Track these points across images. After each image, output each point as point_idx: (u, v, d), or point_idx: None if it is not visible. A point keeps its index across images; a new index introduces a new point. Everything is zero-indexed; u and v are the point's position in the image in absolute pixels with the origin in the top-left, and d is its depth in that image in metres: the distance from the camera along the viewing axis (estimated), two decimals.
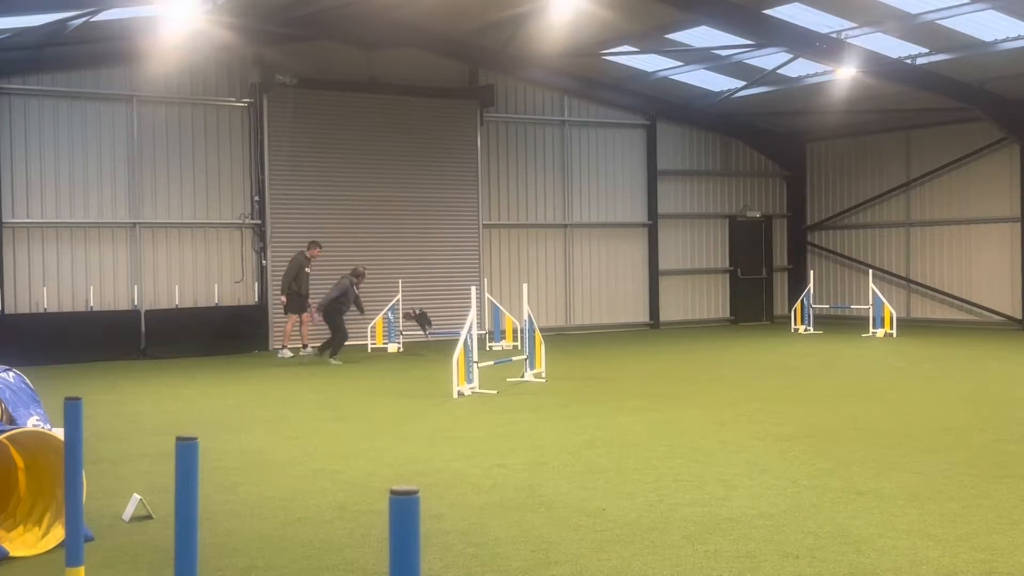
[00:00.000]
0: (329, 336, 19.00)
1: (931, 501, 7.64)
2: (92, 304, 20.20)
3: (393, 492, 2.58)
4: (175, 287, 20.90)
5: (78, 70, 20.31)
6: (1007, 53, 20.27)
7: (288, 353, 19.60)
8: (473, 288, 15.02)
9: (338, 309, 18.76)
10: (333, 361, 18.35)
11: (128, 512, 7.45)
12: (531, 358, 15.59)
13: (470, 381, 14.00)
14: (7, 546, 6.51)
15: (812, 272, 26.32)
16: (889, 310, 22.76)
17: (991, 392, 13.73)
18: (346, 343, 18.91)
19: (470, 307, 14.22)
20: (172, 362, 19.14)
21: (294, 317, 19.96)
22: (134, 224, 20.73)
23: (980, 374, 15.90)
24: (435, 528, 6.98)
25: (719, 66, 23.55)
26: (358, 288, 19.10)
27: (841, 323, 25.97)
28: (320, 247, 20.29)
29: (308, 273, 20.03)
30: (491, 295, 22.13)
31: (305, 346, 20.03)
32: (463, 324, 14.25)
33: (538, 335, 15.66)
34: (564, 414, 12.20)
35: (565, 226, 25.43)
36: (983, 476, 8.48)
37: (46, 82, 20.04)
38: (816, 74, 23.00)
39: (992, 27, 19.70)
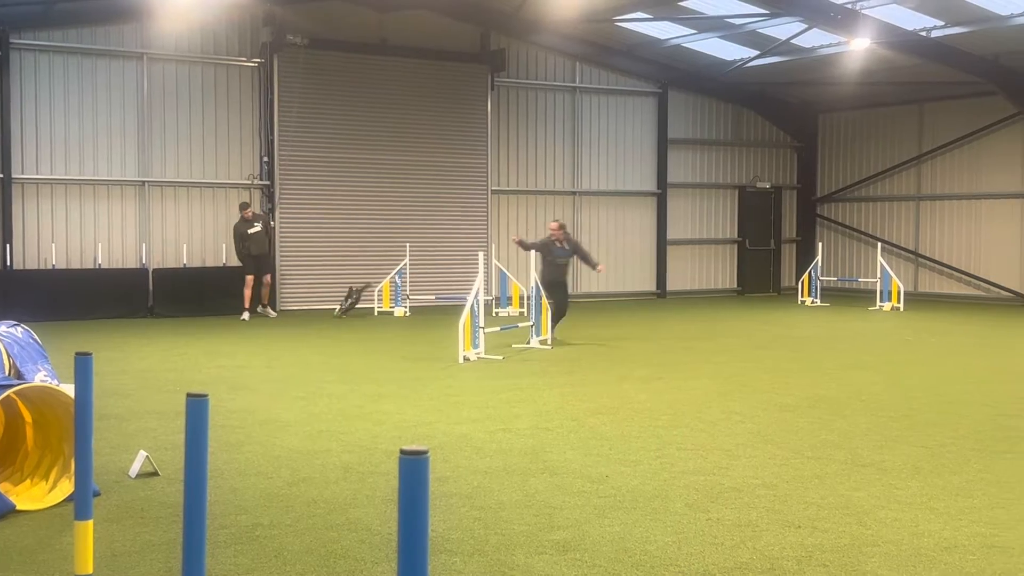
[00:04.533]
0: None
1: (933, 474, 7.66)
2: (100, 262, 20.24)
3: (403, 452, 2.61)
4: (183, 246, 20.93)
5: (89, 26, 20.24)
6: (1021, 27, 20.11)
7: (246, 316, 19.54)
8: (480, 254, 15.02)
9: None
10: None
11: (135, 468, 7.51)
12: (537, 325, 15.62)
13: (476, 346, 14.03)
14: (14, 499, 6.57)
15: (820, 244, 26.26)
16: (897, 284, 22.73)
17: (996, 367, 13.73)
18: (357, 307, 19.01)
19: (477, 272, 14.23)
20: (179, 321, 19.20)
21: (250, 278, 19.80)
22: (143, 182, 20.73)
23: (986, 349, 15.89)
24: (440, 491, 7.02)
25: (732, 35, 23.39)
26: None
27: (848, 296, 25.94)
28: (248, 205, 20.08)
29: (255, 233, 19.72)
30: (498, 261, 22.13)
31: (265, 306, 19.99)
32: (470, 289, 14.27)
33: (545, 302, 15.68)
34: (569, 381, 12.24)
35: (574, 193, 25.37)
36: (986, 450, 8.50)
37: (56, 38, 19.99)
38: (830, 44, 22.84)
39: (1008, 1, 19.53)
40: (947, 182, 25.63)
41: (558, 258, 16.24)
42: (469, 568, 5.56)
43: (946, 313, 21.83)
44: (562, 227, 16.40)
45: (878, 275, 23.27)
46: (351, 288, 20.04)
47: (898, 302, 22.49)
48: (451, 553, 5.79)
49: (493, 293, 21.38)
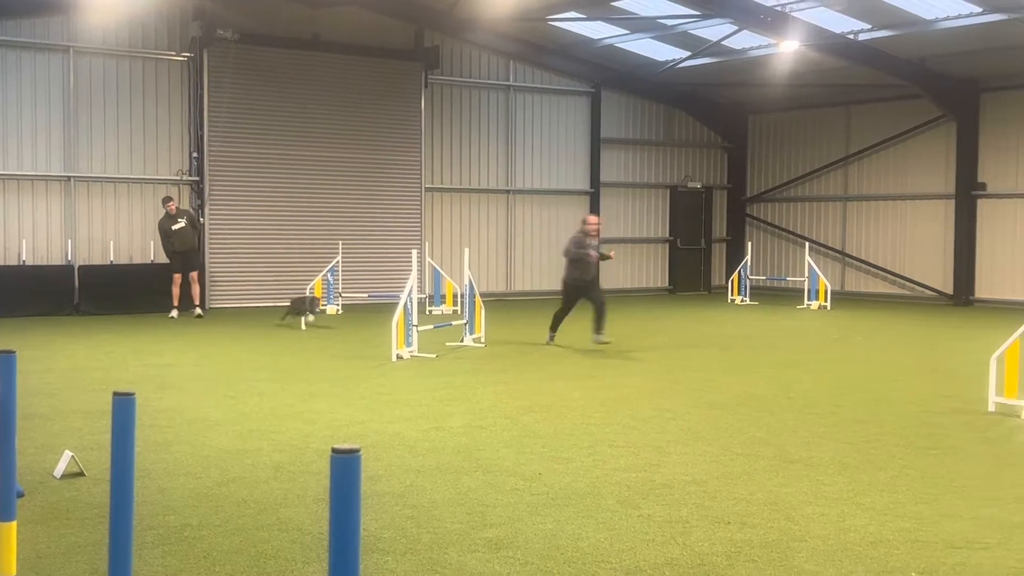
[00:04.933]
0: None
1: (860, 470, 7.80)
2: (24, 258, 19.80)
3: (335, 451, 2.59)
4: (110, 243, 20.56)
5: (14, 18, 19.78)
6: (947, 31, 20.56)
7: (175, 314, 19.27)
8: (414, 251, 14.97)
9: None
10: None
11: (60, 469, 7.36)
12: (471, 323, 15.61)
13: (409, 345, 13.99)
14: None
15: (750, 244, 26.60)
16: (824, 283, 23.10)
17: (921, 365, 14.02)
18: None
19: (411, 270, 14.19)
20: (106, 319, 18.86)
21: (177, 277, 19.50)
22: (68, 178, 20.32)
23: (911, 347, 16.21)
24: (372, 489, 6.98)
25: (664, 36, 23.59)
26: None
27: (777, 295, 26.31)
28: (171, 200, 19.70)
29: (179, 229, 19.31)
30: (432, 259, 22.07)
31: (196, 305, 19.62)
32: (403, 287, 14.21)
33: (478, 300, 15.68)
34: (502, 379, 12.25)
35: (508, 192, 25.40)
36: (910, 447, 8.68)
37: None
38: (760, 47, 23.15)
39: (933, 5, 19.96)
40: (873, 183, 26.10)
41: (593, 254, 15.63)
42: (401, 567, 5.54)
43: (872, 312, 22.24)
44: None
45: (806, 274, 23.63)
46: (302, 299, 18.22)
47: (825, 301, 22.86)
48: (383, 552, 5.76)
49: (427, 291, 21.33)
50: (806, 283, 23.53)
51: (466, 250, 16.60)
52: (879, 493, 7.12)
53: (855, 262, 26.41)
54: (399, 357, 13.60)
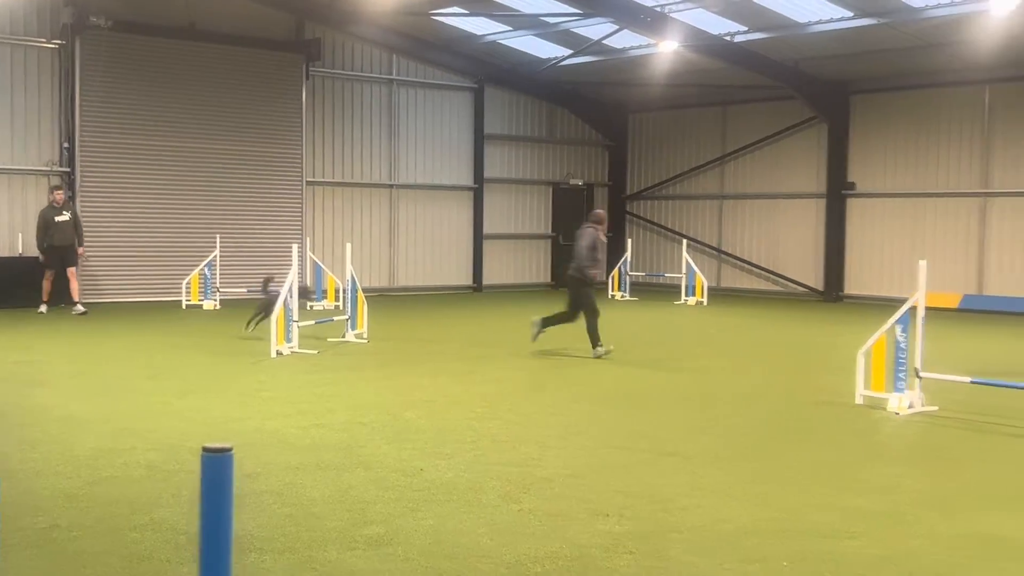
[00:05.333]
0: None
1: (733, 462, 7.99)
2: None
3: (206, 449, 2.54)
4: None
5: None
6: (819, 35, 21.19)
7: (44, 309, 18.69)
8: (295, 246, 14.78)
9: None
10: None
11: None
12: (353, 319, 15.49)
13: (289, 341, 13.80)
14: None
15: (630, 240, 26.99)
16: (701, 279, 23.58)
17: (793, 360, 14.42)
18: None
19: (291, 265, 14.00)
20: None
21: (51, 273, 18.81)
22: None
23: (783, 342, 16.67)
24: (249, 488, 6.88)
25: (547, 33, 23.76)
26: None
27: (656, 291, 26.75)
28: (60, 188, 19.13)
29: (62, 222, 18.74)
30: (314, 254, 21.81)
31: (76, 303, 18.92)
32: (283, 282, 14.01)
33: (361, 295, 15.56)
34: (385, 375, 12.19)
35: (391, 186, 25.25)
36: (782, 439, 8.93)
37: None
38: (640, 46, 23.49)
39: (806, 9, 20.55)
40: (749, 182, 26.74)
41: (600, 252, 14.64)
42: (279, 566, 5.47)
43: (747, 307, 22.79)
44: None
45: (684, 271, 24.09)
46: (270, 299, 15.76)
47: (702, 296, 23.34)
48: (261, 552, 5.68)
49: (309, 286, 21.06)
50: (684, 279, 23.98)
51: (348, 245, 16.45)
52: (751, 484, 7.30)
53: (731, 259, 27.02)
54: (279, 353, 13.41)
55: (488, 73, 26.26)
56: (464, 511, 6.49)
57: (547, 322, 14.45)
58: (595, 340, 13.92)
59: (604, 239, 14.62)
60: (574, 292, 14.33)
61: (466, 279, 26.59)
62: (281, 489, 6.95)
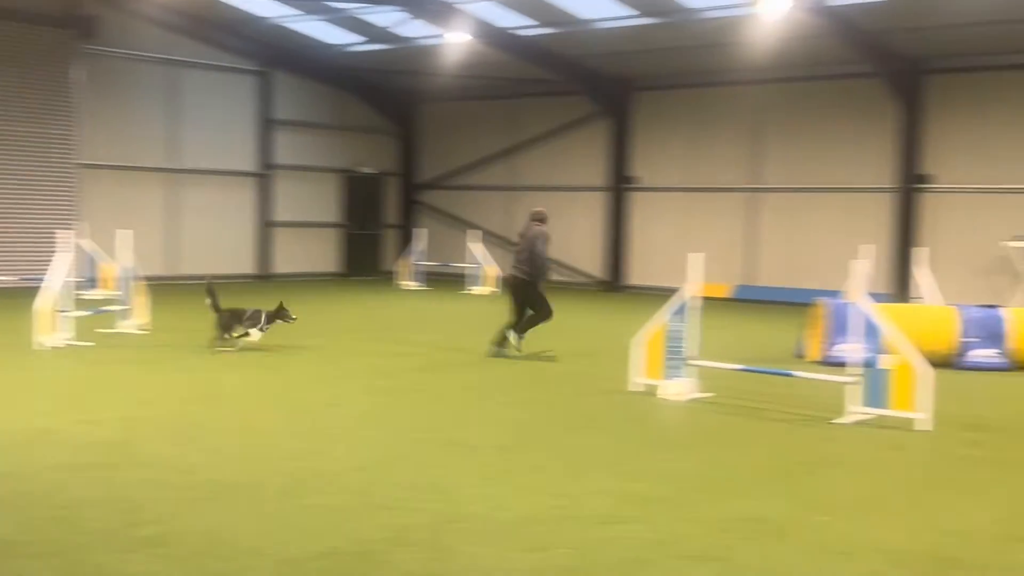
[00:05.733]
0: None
1: (516, 451, 8.14)
2: None
3: None
4: None
5: None
6: (604, 32, 21.77)
7: None
8: (65, 232, 14.06)
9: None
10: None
11: None
12: (131, 308, 14.87)
13: (60, 332, 13.13)
14: None
15: (421, 230, 27.02)
16: (491, 269, 23.85)
17: (575, 348, 14.71)
18: None
19: (62, 252, 13.33)
20: None
21: None
22: None
23: (567, 332, 17.01)
24: (11, 489, 6.52)
25: (336, 19, 23.47)
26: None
27: (446, 280, 26.88)
28: None
29: None
30: (88, 240, 20.80)
31: None
32: (55, 269, 13.32)
33: (140, 284, 14.96)
34: (165, 367, 11.78)
35: (173, 171, 24.38)
36: (562, 427, 9.15)
37: None
38: (430, 36, 23.52)
39: (591, 6, 21.04)
40: (536, 174, 27.20)
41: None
42: (46, 572, 5.21)
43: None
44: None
45: (475, 261, 24.29)
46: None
47: (493, 286, 23.62)
48: (26, 557, 5.39)
49: (82, 274, 20.09)
50: (474, 270, 24.19)
51: (127, 231, 15.79)
52: (533, 473, 7.45)
53: None
54: (48, 346, 12.74)
55: (275, 57, 25.72)
56: (243, 509, 6.35)
57: (523, 329, 13.59)
58: (523, 331, 13.48)
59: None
60: (532, 293, 13.65)
61: (252, 267, 25.99)
62: (48, 490, 6.61)
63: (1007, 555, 5.83)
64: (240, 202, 25.78)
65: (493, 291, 23.43)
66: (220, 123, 25.25)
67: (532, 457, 7.95)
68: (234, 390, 10.42)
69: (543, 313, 13.65)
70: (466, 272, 24.83)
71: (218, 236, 25.27)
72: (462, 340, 15.20)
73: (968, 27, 19.08)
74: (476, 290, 23.72)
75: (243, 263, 25.79)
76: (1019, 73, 20.21)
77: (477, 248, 24.35)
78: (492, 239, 27.52)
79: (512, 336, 13.37)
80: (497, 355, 13.22)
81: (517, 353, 13.31)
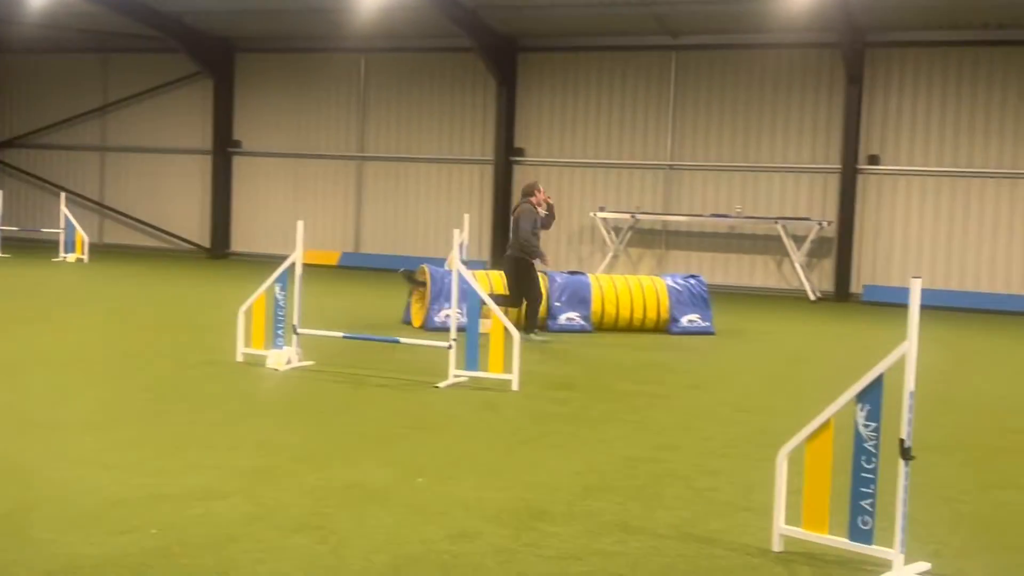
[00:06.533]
0: None
1: (107, 429, 7.66)
2: None
3: None
4: None
5: None
6: None
7: None
8: None
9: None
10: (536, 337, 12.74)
11: None
12: None
13: None
14: None
15: (1, 192, 24.82)
16: (81, 235, 22.38)
17: (176, 319, 14.20)
18: None
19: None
20: None
21: None
22: None
23: (168, 301, 16.35)
24: None
25: None
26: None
27: (31, 246, 24.91)
28: None
29: None
30: None
31: None
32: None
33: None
34: None
35: None
36: (160, 401, 8.73)
37: None
38: None
39: None
40: (132, 135, 25.84)
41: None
42: None
43: (132, 265, 22.07)
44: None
45: (62, 226, 22.67)
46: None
47: (83, 253, 22.19)
48: None
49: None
50: (62, 235, 22.58)
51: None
52: (125, 451, 7.03)
53: (114, 214, 25.99)
54: None
55: None
56: None
57: (529, 328, 12.70)
58: (532, 326, 12.78)
59: (543, 211, 13.19)
60: (517, 275, 12.98)
61: None
62: None
63: (587, 503, 6.24)
64: None
65: (80, 258, 22.00)
66: None
67: (125, 434, 7.50)
68: None
69: (532, 295, 13.01)
70: (53, 238, 23.12)
71: None
72: (39, 311, 14.12)
73: (558, 8, 20.27)
74: (66, 257, 22.18)
75: None
76: (602, 54, 21.74)
77: (66, 212, 22.71)
78: (83, 203, 25.85)
79: (531, 337, 12.46)
80: (528, 340, 12.05)
81: (545, 340, 12.68)
